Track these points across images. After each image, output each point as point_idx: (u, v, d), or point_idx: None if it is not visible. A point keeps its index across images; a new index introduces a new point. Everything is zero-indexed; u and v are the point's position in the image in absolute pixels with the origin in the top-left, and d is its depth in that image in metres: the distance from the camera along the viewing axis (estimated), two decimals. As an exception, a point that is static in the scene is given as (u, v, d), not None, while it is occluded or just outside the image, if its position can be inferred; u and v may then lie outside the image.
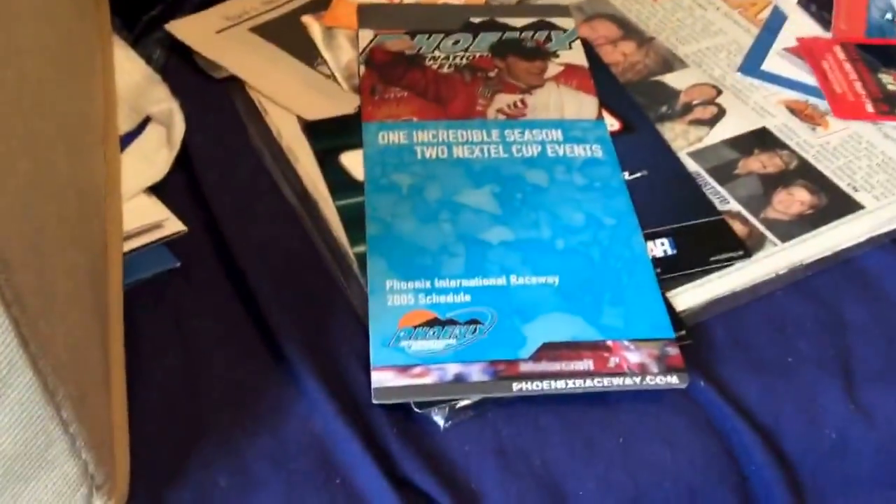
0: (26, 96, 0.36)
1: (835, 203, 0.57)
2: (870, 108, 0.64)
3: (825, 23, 0.71)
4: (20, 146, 0.34)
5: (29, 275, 0.32)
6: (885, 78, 0.67)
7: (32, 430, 0.33)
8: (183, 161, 0.54)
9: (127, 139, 0.54)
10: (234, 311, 0.49)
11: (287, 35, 0.65)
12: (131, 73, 0.56)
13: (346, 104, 0.60)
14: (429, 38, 0.65)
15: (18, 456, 0.33)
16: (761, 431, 0.46)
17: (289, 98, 0.60)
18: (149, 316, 0.47)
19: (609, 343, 0.47)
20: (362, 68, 0.62)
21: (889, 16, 0.72)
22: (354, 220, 0.52)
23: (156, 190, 0.52)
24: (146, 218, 0.50)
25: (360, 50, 0.63)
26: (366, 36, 0.64)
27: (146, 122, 0.55)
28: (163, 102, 0.55)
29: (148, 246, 0.49)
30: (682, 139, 0.60)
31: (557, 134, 0.58)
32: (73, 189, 0.41)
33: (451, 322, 0.47)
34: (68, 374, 0.33)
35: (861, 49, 0.69)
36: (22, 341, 0.30)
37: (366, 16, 0.67)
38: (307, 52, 0.64)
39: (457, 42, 0.64)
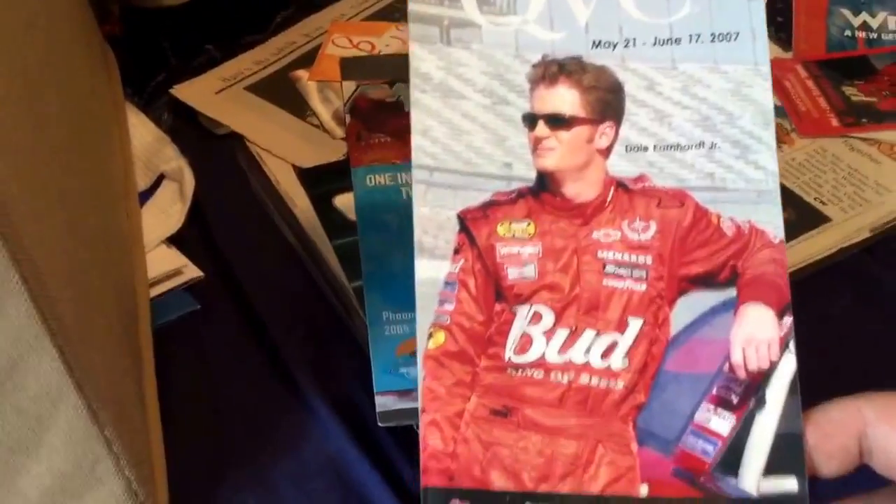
0: (55, 161, 0.40)
1: (802, 218, 0.58)
2: (835, 122, 0.65)
3: (785, 44, 0.72)
4: (56, 202, 0.39)
5: (70, 311, 0.36)
6: (849, 90, 0.67)
7: (81, 448, 0.37)
8: (194, 212, 0.58)
9: (144, 196, 0.58)
10: (250, 346, 0.53)
11: (278, 91, 0.69)
12: (144, 135, 0.60)
13: (335, 151, 0.63)
14: (407, 86, 0.69)
15: (71, 473, 0.37)
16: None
17: (283, 149, 0.63)
18: (175, 353, 0.51)
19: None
20: (348, 117, 0.66)
21: (848, 32, 0.73)
22: (350, 258, 0.55)
23: (173, 240, 0.56)
24: (167, 266, 0.54)
25: (345, 100, 0.68)
26: (349, 87, 0.68)
27: (160, 179, 0.59)
28: (173, 161, 0.59)
29: (171, 291, 0.53)
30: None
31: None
32: (100, 239, 0.45)
33: (444, 346, 0.51)
34: (109, 399, 0.37)
35: (823, 65, 0.70)
36: (67, 368, 0.35)
37: (348, 68, 0.70)
38: (297, 106, 0.68)
39: (434, 88, 0.69)
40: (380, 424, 0.48)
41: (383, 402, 0.48)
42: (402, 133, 0.65)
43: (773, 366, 0.35)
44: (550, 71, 0.37)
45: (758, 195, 0.37)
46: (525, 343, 0.36)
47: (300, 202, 0.60)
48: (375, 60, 0.73)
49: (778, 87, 0.68)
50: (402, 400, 0.48)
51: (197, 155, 0.61)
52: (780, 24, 0.74)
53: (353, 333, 0.53)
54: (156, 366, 0.49)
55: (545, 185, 0.37)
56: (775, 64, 0.71)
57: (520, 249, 0.37)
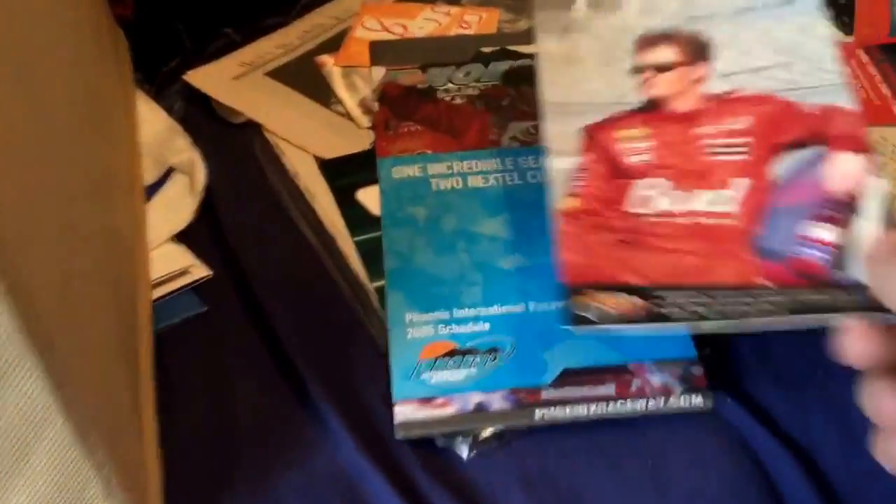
0: (51, 156, 0.38)
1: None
2: (896, 108, 0.63)
3: (846, 27, 0.70)
4: (48, 203, 0.36)
5: (60, 324, 0.33)
6: (913, 75, 0.66)
7: (68, 471, 0.34)
8: (205, 205, 0.56)
9: (152, 189, 0.55)
10: (260, 351, 0.50)
11: (301, 77, 0.66)
12: (154, 125, 0.58)
13: (361, 141, 0.61)
14: (440, 71, 0.65)
15: (56, 498, 0.34)
16: (794, 450, 0.45)
17: (305, 138, 0.61)
18: (179, 359, 0.49)
19: (631, 366, 0.47)
20: (376, 105, 0.63)
21: None
22: (372, 255, 0.53)
23: (181, 236, 0.54)
24: (173, 265, 0.51)
25: (374, 87, 0.64)
26: (378, 72, 0.65)
27: (170, 172, 0.56)
28: (184, 152, 0.57)
29: (176, 292, 0.51)
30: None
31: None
32: (99, 239, 0.42)
33: (471, 351, 0.47)
34: (100, 418, 0.35)
35: (885, 49, 0.68)
36: (54, 387, 0.32)
37: (378, 53, 0.68)
38: (321, 93, 0.65)
39: (468, 73, 0.65)
40: (397, 437, 0.45)
41: (402, 411, 0.45)
42: (433, 121, 0.63)
43: (863, 186, 0.42)
44: (651, 38, 0.48)
45: (833, 88, 0.45)
46: (646, 200, 0.43)
47: (320, 196, 0.57)
48: (407, 44, 0.70)
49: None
50: (424, 408, 0.46)
51: (210, 145, 0.58)
52: (841, 6, 0.72)
53: (372, 337, 0.50)
54: (158, 372, 0.46)
55: (654, 105, 0.46)
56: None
57: (637, 144, 0.45)
